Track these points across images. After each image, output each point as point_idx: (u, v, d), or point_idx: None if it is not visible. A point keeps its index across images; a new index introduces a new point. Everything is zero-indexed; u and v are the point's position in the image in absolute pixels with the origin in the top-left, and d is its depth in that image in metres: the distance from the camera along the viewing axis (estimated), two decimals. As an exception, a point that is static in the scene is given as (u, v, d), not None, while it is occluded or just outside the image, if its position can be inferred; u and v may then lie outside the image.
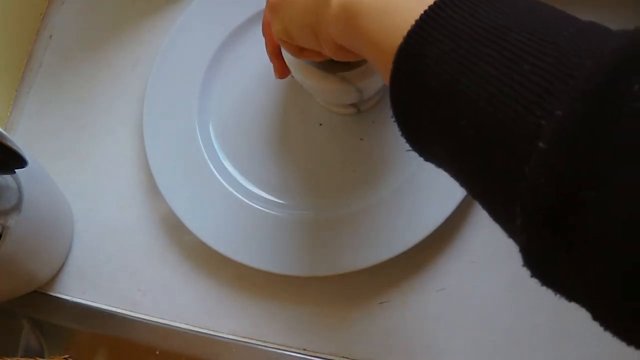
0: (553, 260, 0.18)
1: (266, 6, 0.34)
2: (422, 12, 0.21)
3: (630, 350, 0.39)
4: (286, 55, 0.38)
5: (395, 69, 0.22)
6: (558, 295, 0.20)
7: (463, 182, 0.23)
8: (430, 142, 0.23)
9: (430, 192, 0.41)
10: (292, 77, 0.40)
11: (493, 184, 0.20)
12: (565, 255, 0.18)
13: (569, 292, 0.19)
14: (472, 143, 0.20)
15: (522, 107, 0.18)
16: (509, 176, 0.18)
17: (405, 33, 0.22)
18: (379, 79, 0.39)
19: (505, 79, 0.18)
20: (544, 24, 0.19)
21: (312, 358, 0.41)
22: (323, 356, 0.41)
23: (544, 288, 0.21)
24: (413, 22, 0.21)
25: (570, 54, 0.18)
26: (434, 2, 0.21)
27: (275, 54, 0.39)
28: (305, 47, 0.32)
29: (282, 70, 0.39)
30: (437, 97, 0.21)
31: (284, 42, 0.33)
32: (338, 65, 0.37)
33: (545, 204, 0.17)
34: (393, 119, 0.24)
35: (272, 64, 0.40)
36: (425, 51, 0.21)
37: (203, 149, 0.46)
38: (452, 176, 0.24)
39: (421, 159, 0.26)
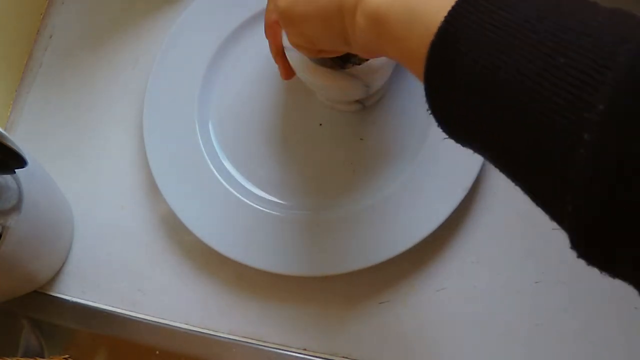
0: (607, 241, 0.18)
1: (277, 16, 0.34)
2: (450, 7, 0.22)
3: (629, 349, 0.39)
4: (290, 56, 0.38)
5: (429, 62, 0.22)
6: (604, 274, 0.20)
7: (503, 166, 0.23)
8: (469, 131, 0.23)
9: (431, 192, 0.41)
10: (296, 76, 0.40)
11: (537, 172, 0.20)
12: (622, 234, 0.18)
13: (619, 272, 0.19)
14: (514, 133, 0.20)
15: (563, 100, 0.18)
16: (556, 166, 0.19)
17: (435, 31, 0.22)
18: (385, 73, 0.39)
19: (542, 73, 0.19)
20: (572, 13, 0.19)
21: (312, 358, 0.41)
22: (323, 356, 0.41)
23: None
24: (442, 19, 0.22)
25: (604, 43, 0.18)
26: None
27: (279, 55, 0.39)
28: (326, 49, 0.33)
29: (287, 71, 0.39)
30: (474, 86, 0.21)
31: (302, 47, 0.34)
32: (342, 61, 0.37)
33: (597, 193, 0.17)
34: (429, 112, 0.24)
35: (276, 65, 0.40)
36: (459, 45, 0.21)
37: (203, 148, 0.46)
38: (490, 161, 0.24)
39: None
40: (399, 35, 0.25)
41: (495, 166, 0.23)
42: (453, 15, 0.22)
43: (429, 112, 0.24)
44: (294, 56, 0.38)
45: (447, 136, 0.25)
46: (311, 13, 0.30)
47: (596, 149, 0.17)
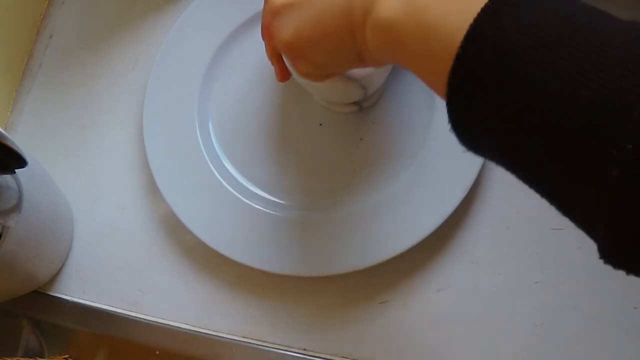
0: None
1: (282, 50, 0.34)
2: (465, 31, 0.21)
3: (629, 349, 0.39)
4: (287, 59, 0.38)
5: (451, 87, 0.22)
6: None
7: (526, 169, 0.22)
8: (493, 148, 0.23)
9: (430, 192, 0.41)
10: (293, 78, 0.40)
11: (567, 179, 0.20)
12: None
13: None
14: (544, 146, 0.20)
15: (593, 147, 0.18)
16: (591, 174, 0.19)
17: (454, 53, 0.21)
18: (382, 74, 0.39)
19: (568, 104, 0.18)
20: (594, 33, 0.19)
21: (312, 358, 0.41)
22: (323, 356, 0.41)
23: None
24: (460, 39, 0.21)
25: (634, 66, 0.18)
26: (478, 15, 0.21)
27: (276, 57, 0.38)
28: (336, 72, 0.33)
29: (283, 73, 0.39)
30: (500, 113, 0.21)
31: (311, 75, 0.34)
32: None
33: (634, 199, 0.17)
34: (449, 125, 0.23)
35: (273, 67, 0.40)
36: (479, 69, 0.21)
37: (203, 148, 0.46)
38: (506, 167, 0.23)
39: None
40: (415, 52, 0.24)
41: (513, 173, 0.23)
42: (472, 36, 0.21)
43: (451, 130, 0.24)
44: None
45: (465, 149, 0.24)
46: (320, 37, 0.29)
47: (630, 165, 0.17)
